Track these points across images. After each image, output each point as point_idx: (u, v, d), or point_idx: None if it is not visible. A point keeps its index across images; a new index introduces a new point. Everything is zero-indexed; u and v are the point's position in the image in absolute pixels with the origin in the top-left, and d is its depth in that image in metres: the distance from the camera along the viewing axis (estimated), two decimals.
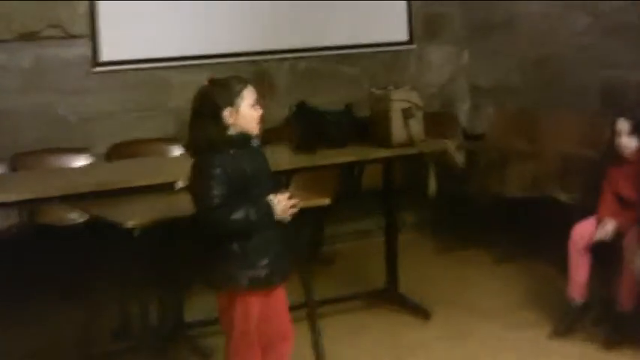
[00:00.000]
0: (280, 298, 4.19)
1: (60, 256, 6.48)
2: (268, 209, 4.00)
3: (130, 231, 4.42)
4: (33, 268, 6.43)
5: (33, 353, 5.39)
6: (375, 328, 5.75)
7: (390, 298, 6.10)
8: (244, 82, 4.07)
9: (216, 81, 4.03)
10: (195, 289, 5.53)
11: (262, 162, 4.13)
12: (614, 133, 5.46)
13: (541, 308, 5.83)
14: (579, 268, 5.43)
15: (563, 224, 5.61)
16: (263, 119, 4.13)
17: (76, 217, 6.08)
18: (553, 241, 5.78)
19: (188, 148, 4.10)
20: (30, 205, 6.25)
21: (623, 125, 5.40)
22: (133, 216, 4.52)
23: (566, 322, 5.44)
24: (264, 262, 4.01)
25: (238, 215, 3.91)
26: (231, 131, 3.99)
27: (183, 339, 5.45)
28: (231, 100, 3.98)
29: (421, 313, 5.89)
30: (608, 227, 5.33)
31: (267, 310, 4.11)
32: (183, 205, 4.81)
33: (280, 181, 4.29)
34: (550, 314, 5.68)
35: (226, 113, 3.97)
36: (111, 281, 5.65)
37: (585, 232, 5.44)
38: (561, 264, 5.71)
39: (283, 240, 4.14)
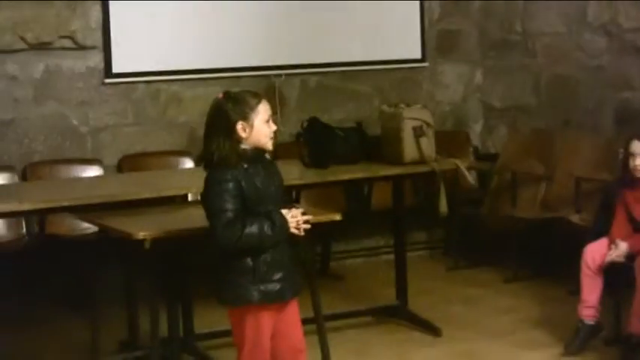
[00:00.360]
0: (293, 312, 4.15)
1: (69, 267, 6.48)
2: (282, 224, 3.97)
3: (140, 242, 4.39)
4: (42, 278, 6.43)
5: None
6: (384, 344, 5.72)
7: (400, 315, 6.07)
8: (259, 97, 4.04)
9: (231, 95, 4.00)
10: (204, 300, 5.51)
11: (276, 177, 4.10)
12: (627, 155, 5.43)
13: (551, 328, 5.79)
14: (591, 290, 5.39)
15: (575, 245, 5.57)
16: (276, 135, 4.11)
17: (86, 227, 6.07)
18: (564, 262, 5.76)
19: (201, 161, 4.07)
20: (40, 216, 6.26)
21: (637, 147, 5.37)
22: (144, 227, 4.50)
23: (577, 342, 5.40)
24: (277, 276, 3.98)
25: (252, 229, 3.89)
26: (245, 146, 3.96)
27: (192, 350, 5.42)
28: (245, 115, 3.95)
29: (430, 330, 5.86)
30: (621, 248, 5.30)
31: (281, 325, 4.07)
32: (193, 217, 4.81)
33: (292, 196, 4.24)
34: (560, 335, 5.64)
35: (240, 127, 3.94)
36: (120, 292, 5.64)
37: (597, 253, 5.40)
38: (572, 285, 5.69)
39: (295, 255, 4.11)
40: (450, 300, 6.59)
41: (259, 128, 3.97)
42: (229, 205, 3.87)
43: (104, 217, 4.81)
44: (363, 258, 7.70)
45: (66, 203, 5.00)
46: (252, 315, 3.98)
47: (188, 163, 6.95)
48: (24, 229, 6.46)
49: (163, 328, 5.04)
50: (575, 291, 5.58)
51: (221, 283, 4.01)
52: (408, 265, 6.15)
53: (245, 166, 3.94)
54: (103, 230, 4.83)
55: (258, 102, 4.00)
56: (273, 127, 4.04)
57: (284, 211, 4.01)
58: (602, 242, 5.42)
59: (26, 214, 5.94)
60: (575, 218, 6.53)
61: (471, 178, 6.23)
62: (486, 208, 7.40)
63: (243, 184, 3.90)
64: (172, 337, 5.29)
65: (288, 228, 3.99)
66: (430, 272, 7.32)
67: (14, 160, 6.65)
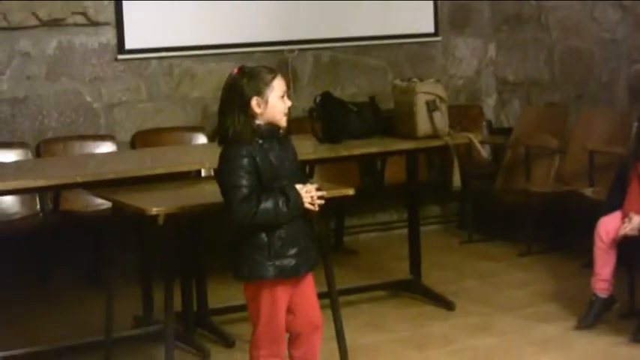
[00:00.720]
0: (309, 287, 4.15)
1: (84, 243, 6.52)
2: (297, 199, 3.96)
3: (154, 218, 4.40)
4: (57, 254, 6.46)
5: (58, 338, 5.40)
6: (398, 318, 5.73)
7: (413, 289, 6.08)
8: (274, 73, 4.01)
9: (246, 70, 3.97)
10: (218, 275, 5.53)
11: (290, 153, 4.08)
12: None
13: (565, 302, 5.80)
14: (604, 263, 5.39)
15: (589, 219, 5.57)
16: (290, 111, 4.09)
17: (100, 203, 6.09)
18: (577, 236, 5.76)
19: (215, 137, 4.06)
20: (54, 192, 6.29)
21: None
22: (157, 203, 4.51)
23: (591, 316, 5.39)
24: (292, 251, 3.98)
25: (268, 205, 3.87)
26: (259, 121, 3.94)
27: (206, 325, 5.44)
28: (260, 91, 3.93)
29: (444, 304, 5.87)
30: (635, 222, 5.28)
31: (297, 300, 4.07)
32: (207, 192, 4.82)
33: (306, 172, 4.23)
34: (574, 308, 5.64)
35: (254, 103, 3.92)
36: (134, 267, 5.67)
37: (610, 226, 5.39)
38: (585, 258, 5.69)
39: (310, 230, 4.11)
40: (463, 274, 6.60)
41: (274, 104, 3.95)
42: (244, 181, 3.86)
43: (118, 193, 4.82)
44: (376, 232, 7.71)
45: (80, 179, 5.01)
46: (267, 290, 3.98)
47: (201, 139, 6.96)
48: (38, 206, 6.48)
49: (177, 303, 5.06)
50: (588, 264, 5.58)
51: (236, 258, 4.01)
52: (421, 240, 6.15)
53: (259, 141, 3.92)
54: (117, 206, 4.84)
55: (273, 77, 3.97)
56: (288, 103, 4.01)
57: (298, 187, 3.99)
58: (616, 215, 5.41)
59: (40, 191, 5.96)
60: (588, 192, 6.52)
61: (484, 152, 6.22)
62: (500, 182, 7.40)
63: (257, 159, 3.89)
64: (186, 312, 5.32)
65: (302, 203, 3.97)
66: (444, 246, 7.33)
67: (28, 137, 6.67)
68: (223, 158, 3.95)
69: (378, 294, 6.12)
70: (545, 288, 6.18)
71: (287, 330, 4.11)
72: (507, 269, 6.68)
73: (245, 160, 3.87)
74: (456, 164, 5.69)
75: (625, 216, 5.34)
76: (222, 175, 3.95)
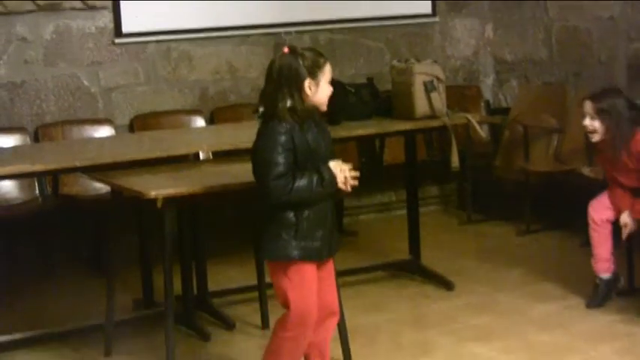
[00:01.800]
0: (329, 272, 4.16)
1: (84, 227, 6.53)
2: (331, 178, 3.96)
3: (153, 201, 4.41)
4: (57, 239, 6.48)
5: (58, 321, 5.42)
6: (397, 299, 5.75)
7: (413, 269, 6.10)
8: (325, 57, 4.03)
9: (299, 51, 3.97)
10: (218, 258, 5.57)
11: (326, 136, 4.08)
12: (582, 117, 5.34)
13: (564, 280, 5.82)
14: (601, 243, 5.39)
15: (587, 198, 5.58)
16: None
17: (99, 187, 6.10)
18: (576, 215, 5.76)
19: (258, 112, 4.03)
20: (53, 176, 6.29)
21: (587, 106, 5.30)
22: (156, 186, 4.52)
23: (599, 298, 5.39)
24: (319, 234, 3.99)
25: (303, 182, 3.89)
26: (306, 103, 3.96)
27: (206, 308, 5.46)
28: (315, 73, 3.95)
29: (443, 284, 5.89)
30: (629, 224, 5.27)
31: (319, 283, 4.07)
32: (205, 175, 4.83)
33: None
34: (573, 286, 5.67)
35: (307, 85, 3.93)
36: (134, 251, 5.68)
37: (600, 209, 5.38)
38: (584, 237, 5.71)
39: (334, 215, 4.11)
40: (462, 253, 6.62)
41: (323, 88, 3.99)
42: (281, 159, 3.87)
43: (116, 177, 4.83)
44: (376, 213, 7.72)
45: (78, 164, 5.02)
46: (294, 269, 3.98)
47: (199, 122, 6.96)
48: (37, 191, 6.49)
49: (177, 287, 5.08)
50: (586, 243, 5.60)
51: (263, 236, 4.02)
52: (420, 220, 6.16)
53: (299, 122, 3.93)
54: (116, 190, 4.85)
55: (325, 62, 4.01)
56: (331, 89, 4.04)
57: (332, 164, 4.00)
58: (604, 198, 5.40)
59: (39, 175, 5.97)
60: (586, 171, 6.52)
61: (482, 132, 6.21)
62: (498, 161, 7.40)
63: (295, 139, 3.90)
64: (186, 295, 5.34)
65: (336, 182, 3.99)
66: (443, 226, 7.35)
67: (26, 122, 6.67)
68: (262, 134, 3.96)
69: (377, 275, 6.14)
70: (544, 267, 6.19)
71: None
72: (506, 248, 6.69)
73: (284, 138, 3.88)
74: (454, 144, 5.69)
75: (614, 207, 5.33)
76: (259, 150, 3.95)
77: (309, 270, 4.02)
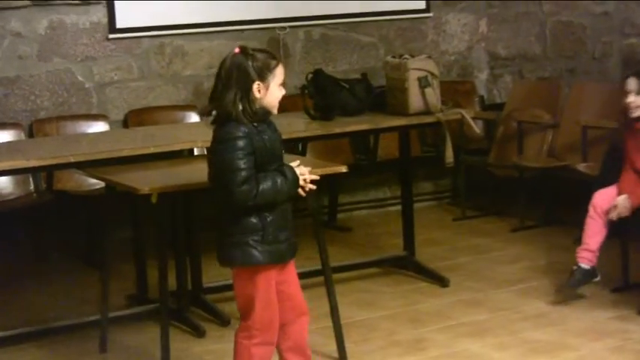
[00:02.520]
0: (293, 273, 4.10)
1: (78, 222, 6.52)
2: (294, 177, 3.92)
3: (147, 197, 4.41)
4: (51, 234, 6.47)
5: (53, 317, 5.42)
6: (392, 295, 5.75)
7: (407, 265, 6.10)
8: (277, 59, 3.93)
9: (249, 52, 3.88)
10: (212, 253, 5.54)
11: (278, 138, 4.00)
12: (624, 95, 5.36)
13: (558, 276, 5.82)
14: (594, 233, 5.39)
15: (581, 194, 5.59)
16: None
17: (93, 183, 6.10)
18: (570, 211, 5.77)
19: (207, 115, 3.97)
20: (47, 172, 6.28)
21: (631, 84, 5.31)
22: (150, 182, 4.52)
23: (570, 284, 5.41)
24: (283, 236, 3.93)
25: (267, 185, 3.82)
26: (256, 106, 3.86)
27: (201, 303, 5.46)
28: (264, 76, 3.85)
29: (438, 280, 5.89)
30: (621, 204, 5.27)
31: (283, 286, 4.02)
32: (200, 171, 4.82)
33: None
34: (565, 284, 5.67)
35: (256, 87, 3.84)
36: (128, 246, 5.68)
37: (605, 199, 5.38)
38: (578, 233, 5.70)
39: (291, 215, 4.04)
40: (457, 250, 6.62)
41: (273, 91, 3.88)
42: (242, 164, 3.77)
43: (111, 173, 4.82)
44: (370, 209, 7.72)
45: (72, 159, 5.01)
46: (262, 275, 3.92)
47: (194, 117, 6.96)
48: (31, 186, 6.48)
49: (172, 282, 5.08)
50: (580, 239, 5.59)
51: (226, 243, 3.92)
52: (415, 216, 6.17)
53: (255, 124, 3.85)
54: (110, 185, 4.85)
55: (277, 64, 3.90)
56: (283, 92, 3.95)
57: (293, 167, 3.96)
58: (612, 189, 5.41)
59: (33, 171, 5.96)
60: (581, 167, 6.54)
61: (476, 127, 6.22)
62: (493, 157, 7.40)
63: (254, 142, 3.82)
64: (181, 291, 5.34)
65: (298, 183, 3.94)
66: (437, 222, 7.35)
67: (20, 117, 6.66)
68: (219, 138, 3.85)
69: (371, 271, 6.14)
70: (538, 263, 6.20)
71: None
72: (500, 245, 6.70)
73: (243, 142, 3.79)
74: (448, 140, 5.69)
75: (620, 192, 5.34)
76: (218, 154, 3.85)
77: (273, 274, 3.96)
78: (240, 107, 3.82)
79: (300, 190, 3.99)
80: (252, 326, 3.96)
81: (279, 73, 3.91)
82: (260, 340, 3.97)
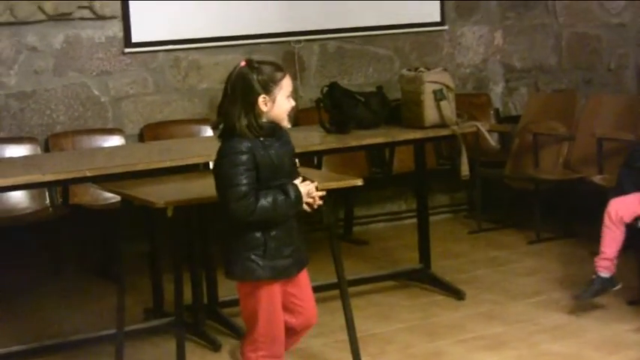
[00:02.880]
0: (306, 285, 4.08)
1: (94, 236, 6.53)
2: (297, 196, 3.88)
3: (162, 210, 4.41)
4: (67, 248, 6.49)
5: (69, 331, 5.42)
6: (408, 308, 5.74)
7: (423, 278, 6.08)
8: (284, 72, 3.91)
9: (254, 64, 3.85)
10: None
11: (289, 150, 3.99)
12: None
13: (574, 289, 5.78)
14: (611, 242, 5.37)
15: (597, 206, 5.56)
16: (292, 111, 4.00)
17: (109, 197, 6.11)
18: (586, 223, 5.75)
19: (216, 129, 3.96)
20: (63, 186, 6.30)
21: None
22: (166, 196, 4.52)
23: (589, 293, 5.39)
24: (287, 252, 3.91)
25: (266, 203, 3.79)
26: (263, 119, 3.85)
27: (216, 317, 5.46)
28: (269, 89, 3.83)
29: (454, 293, 5.87)
30: None
31: (295, 299, 4.02)
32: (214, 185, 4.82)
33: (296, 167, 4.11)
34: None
35: (261, 101, 3.82)
36: (145, 260, 5.68)
37: (622, 207, 5.37)
38: (594, 245, 5.67)
39: (299, 228, 4.02)
40: (473, 262, 6.60)
41: (280, 104, 3.86)
42: (243, 179, 3.76)
43: (126, 187, 4.83)
44: (386, 222, 7.71)
45: (88, 173, 5.02)
46: (264, 289, 3.91)
47: (209, 131, 6.95)
48: (47, 200, 6.50)
49: (187, 296, 5.08)
50: (597, 251, 5.56)
51: (229, 256, 3.94)
52: (430, 229, 6.15)
53: (262, 139, 3.83)
54: (126, 199, 4.85)
55: (283, 76, 3.87)
56: (292, 104, 3.92)
57: (298, 183, 3.91)
58: (630, 198, 5.39)
59: (49, 185, 5.97)
60: (597, 179, 6.51)
61: (492, 140, 6.21)
62: (508, 169, 7.39)
63: (258, 157, 3.80)
64: (196, 305, 5.33)
65: (302, 202, 3.90)
66: (453, 235, 7.33)
67: (36, 132, 6.68)
68: (222, 152, 3.85)
69: (387, 284, 6.12)
70: (555, 275, 6.18)
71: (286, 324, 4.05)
72: (517, 257, 6.68)
73: (245, 157, 3.78)
74: (463, 153, 5.69)
75: None
76: (220, 169, 3.85)
77: (277, 288, 3.94)
78: (245, 122, 3.80)
79: (306, 207, 3.95)
80: (257, 339, 3.97)
81: (285, 85, 3.88)
82: (266, 352, 3.99)
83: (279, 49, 7.29)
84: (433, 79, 5.66)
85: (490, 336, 5.23)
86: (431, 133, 5.68)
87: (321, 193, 4.00)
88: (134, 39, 6.90)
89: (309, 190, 3.94)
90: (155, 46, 6.99)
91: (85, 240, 6.57)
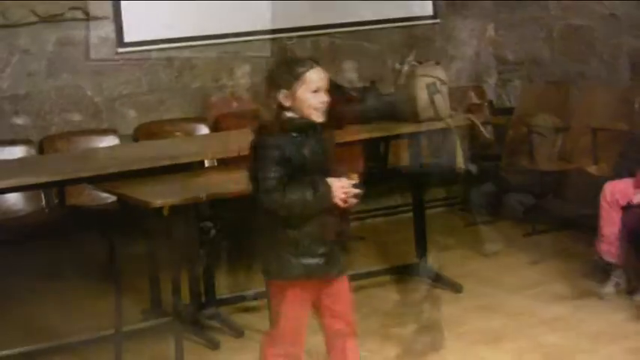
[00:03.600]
0: (343, 289, 4.00)
1: (91, 237, 6.52)
2: (326, 192, 3.80)
3: (159, 210, 4.41)
4: (64, 249, 6.47)
5: (67, 333, 5.42)
6: (405, 302, 5.73)
7: (421, 272, 6.08)
8: (308, 65, 3.82)
9: (281, 59, 3.90)
10: (225, 265, 5.57)
11: (327, 147, 3.90)
12: None
13: (571, 280, 5.81)
14: (609, 223, 5.38)
15: (593, 196, 5.57)
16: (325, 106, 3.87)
17: (105, 197, 6.11)
18: (582, 214, 5.75)
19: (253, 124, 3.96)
20: (59, 187, 6.30)
21: None
22: (162, 195, 4.53)
23: (597, 278, 5.40)
24: (320, 251, 3.84)
25: (294, 196, 3.74)
26: (291, 114, 3.80)
27: (215, 316, 5.46)
28: (289, 84, 3.77)
29: (451, 287, 5.87)
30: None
31: (328, 301, 3.96)
32: (211, 183, 4.83)
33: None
34: (580, 286, 5.66)
35: (282, 96, 3.78)
36: (142, 260, 5.68)
37: (617, 190, 5.38)
38: (591, 237, 5.68)
39: (341, 229, 3.94)
40: (469, 256, 6.61)
41: (303, 98, 3.77)
42: (270, 173, 3.73)
43: (122, 187, 4.83)
44: (382, 217, 7.71)
45: (83, 174, 5.03)
46: (292, 289, 3.87)
47: (204, 129, 6.96)
48: (43, 202, 6.49)
49: (185, 295, 5.07)
50: (594, 243, 5.58)
51: (264, 254, 3.92)
52: (427, 223, 6.15)
53: (293, 134, 3.78)
54: (122, 200, 4.85)
55: (306, 70, 3.79)
56: (323, 98, 3.81)
57: (332, 180, 3.83)
58: (625, 182, 5.40)
59: (44, 187, 5.97)
60: (592, 169, 6.52)
61: (486, 132, 6.21)
62: (503, 162, 7.39)
63: (287, 152, 3.75)
64: (195, 304, 5.33)
65: (332, 197, 3.81)
66: (449, 228, 7.32)
67: (31, 134, 6.68)
68: (252, 147, 3.85)
69: (384, 278, 6.13)
70: (551, 267, 6.18)
71: (322, 330, 4.03)
72: (513, 250, 6.68)
73: (272, 152, 3.74)
74: (458, 146, 5.69)
75: (637, 187, 5.33)
76: (251, 162, 3.85)
77: (307, 289, 3.90)
78: (270, 117, 3.82)
79: (339, 202, 3.85)
80: (277, 336, 3.95)
81: (309, 80, 3.78)
82: (282, 351, 3.94)
83: (272, 46, 7.28)
84: (426, 73, 5.67)
85: (488, 329, 5.23)
86: (425, 127, 5.68)
87: (355, 191, 3.89)
88: (126, 39, 6.90)
89: (342, 185, 3.86)
90: (148, 45, 6.98)
91: (83, 241, 6.55)
